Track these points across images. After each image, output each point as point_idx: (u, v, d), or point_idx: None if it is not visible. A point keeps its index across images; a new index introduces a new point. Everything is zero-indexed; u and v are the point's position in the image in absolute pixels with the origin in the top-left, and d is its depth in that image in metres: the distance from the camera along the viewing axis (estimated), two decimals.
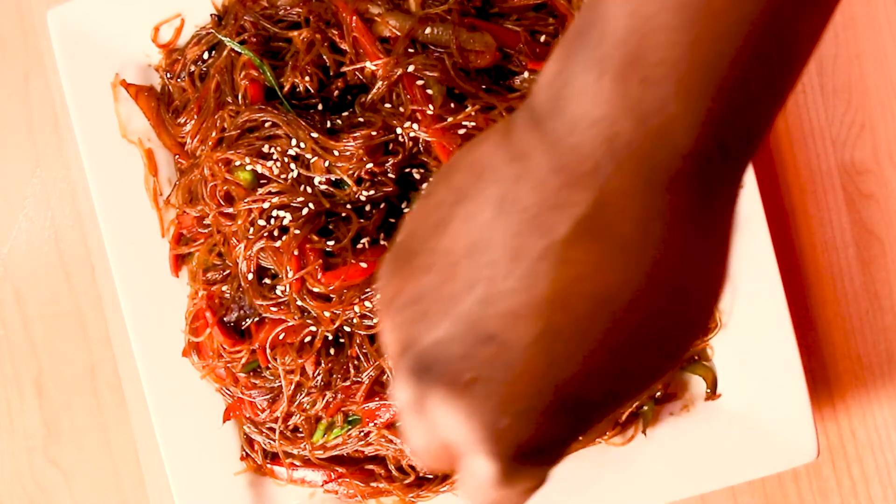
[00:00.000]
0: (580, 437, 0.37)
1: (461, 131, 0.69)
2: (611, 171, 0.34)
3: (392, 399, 0.36)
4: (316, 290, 0.69)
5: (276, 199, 0.69)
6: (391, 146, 0.70)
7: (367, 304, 0.69)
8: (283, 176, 0.70)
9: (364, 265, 0.68)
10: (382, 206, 0.70)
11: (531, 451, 0.36)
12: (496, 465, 0.36)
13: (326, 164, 0.69)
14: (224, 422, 0.76)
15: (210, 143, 0.73)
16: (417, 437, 0.38)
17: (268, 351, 0.71)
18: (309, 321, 0.70)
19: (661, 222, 0.34)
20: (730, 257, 0.38)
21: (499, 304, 0.35)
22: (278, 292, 0.70)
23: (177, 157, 0.77)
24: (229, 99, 0.73)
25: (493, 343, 0.35)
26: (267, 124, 0.71)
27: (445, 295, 0.36)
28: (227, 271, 0.74)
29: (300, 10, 0.73)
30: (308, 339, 0.71)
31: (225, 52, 0.74)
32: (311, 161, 0.70)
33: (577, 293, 0.34)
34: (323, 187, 0.70)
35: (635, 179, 0.34)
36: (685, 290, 0.36)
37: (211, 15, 0.76)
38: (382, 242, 0.69)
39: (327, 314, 0.69)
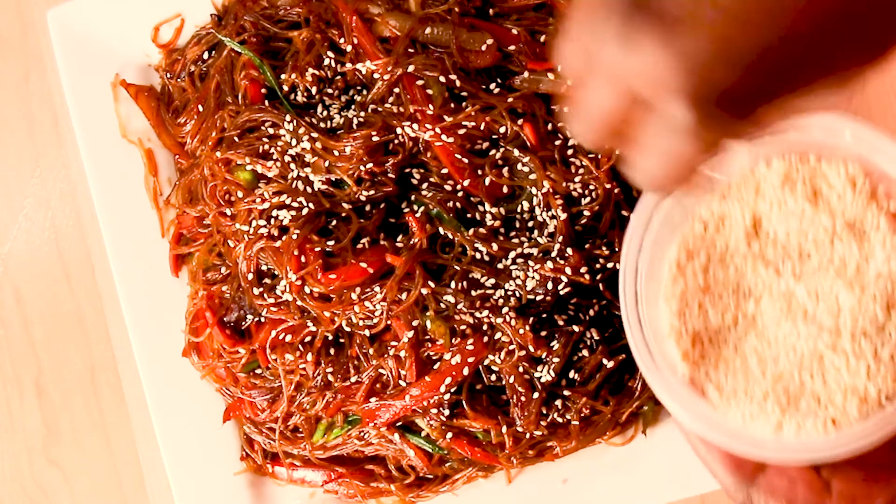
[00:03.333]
0: (776, 99, 0.38)
1: (461, 131, 0.69)
2: None
3: (585, 38, 0.38)
4: (316, 290, 0.69)
5: (276, 199, 0.69)
6: (391, 146, 0.70)
7: (367, 304, 0.69)
8: (283, 176, 0.70)
9: (364, 265, 0.68)
10: (382, 206, 0.70)
11: (730, 98, 0.36)
12: (693, 109, 0.36)
13: (326, 164, 0.69)
14: (224, 422, 0.76)
15: (210, 143, 0.73)
16: (603, 89, 0.38)
17: (268, 351, 0.71)
18: (309, 321, 0.70)
19: None
20: None
21: None
22: (278, 292, 0.70)
23: (177, 157, 0.77)
24: (229, 99, 0.73)
25: None
26: (267, 124, 0.71)
27: None
28: (227, 271, 0.74)
29: (300, 10, 0.73)
30: (308, 339, 0.71)
31: (225, 52, 0.74)
32: (311, 161, 0.70)
33: None
34: (323, 187, 0.70)
35: None
36: None
37: (211, 15, 0.76)
38: (382, 242, 0.69)
39: (327, 314, 0.69)
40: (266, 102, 0.72)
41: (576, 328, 0.70)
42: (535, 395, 0.70)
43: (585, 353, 0.71)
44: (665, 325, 0.55)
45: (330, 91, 0.72)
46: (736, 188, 0.56)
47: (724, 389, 0.53)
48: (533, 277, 0.68)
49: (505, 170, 0.70)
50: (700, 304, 0.55)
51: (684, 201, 0.55)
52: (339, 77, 0.72)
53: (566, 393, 0.71)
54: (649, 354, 0.54)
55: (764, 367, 0.53)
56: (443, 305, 0.69)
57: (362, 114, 0.70)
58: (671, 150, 0.38)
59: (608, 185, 0.69)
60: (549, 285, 0.68)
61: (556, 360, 0.70)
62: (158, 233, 0.76)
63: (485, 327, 0.69)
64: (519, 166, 0.69)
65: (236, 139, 0.72)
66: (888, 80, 0.76)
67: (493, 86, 0.70)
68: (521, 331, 0.68)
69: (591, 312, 0.71)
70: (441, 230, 0.69)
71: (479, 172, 0.69)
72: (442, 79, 0.69)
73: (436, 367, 0.69)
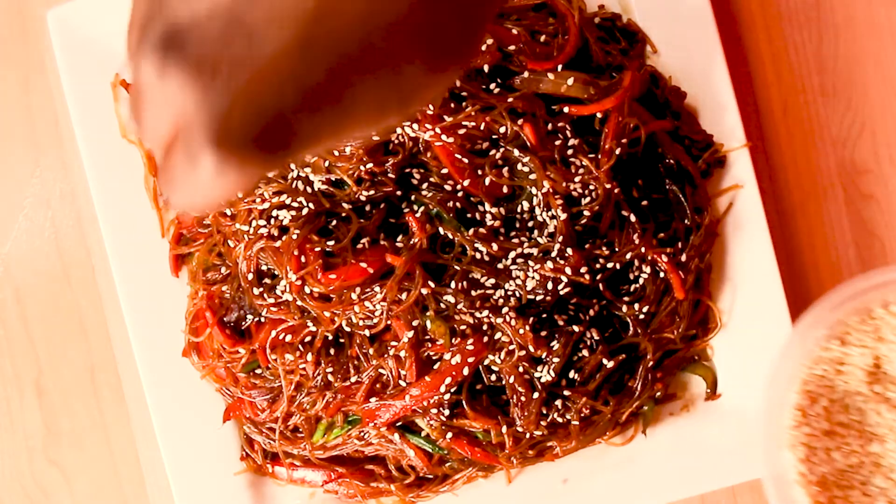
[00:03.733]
0: (299, 149, 0.39)
1: (461, 131, 0.69)
2: None
3: (129, 67, 0.39)
4: (316, 290, 0.69)
5: (276, 199, 0.69)
6: (391, 146, 0.70)
7: (367, 304, 0.69)
8: (282, 176, 0.70)
9: (364, 265, 0.68)
10: (382, 206, 0.70)
11: (253, 145, 0.38)
12: (218, 151, 0.37)
13: (326, 163, 0.69)
14: (224, 422, 0.76)
15: None
16: (150, 110, 0.39)
17: (268, 351, 0.71)
18: (309, 321, 0.70)
19: None
20: None
21: (264, 5, 0.36)
22: (278, 292, 0.70)
23: None
24: None
25: (249, 37, 0.36)
26: None
27: None
28: (227, 271, 0.74)
29: None
30: (308, 339, 0.71)
31: None
32: (311, 161, 0.70)
33: (339, 11, 0.36)
34: (323, 187, 0.70)
35: None
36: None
37: None
38: (382, 242, 0.69)
39: (327, 314, 0.69)
40: None
41: (576, 328, 0.70)
42: (535, 395, 0.70)
43: (585, 353, 0.71)
44: (791, 471, 0.54)
45: None
46: (855, 332, 0.55)
47: None
48: (533, 277, 0.68)
49: (505, 170, 0.70)
50: (826, 449, 0.54)
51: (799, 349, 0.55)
52: None
53: (566, 393, 0.71)
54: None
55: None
56: (443, 305, 0.69)
57: None
58: (199, 187, 0.39)
59: (608, 185, 0.69)
60: (549, 285, 0.68)
61: (556, 360, 0.70)
62: (158, 233, 0.76)
63: (485, 327, 0.69)
64: (519, 166, 0.69)
65: None
66: (888, 81, 0.76)
67: (493, 86, 0.70)
68: (521, 331, 0.68)
69: (591, 312, 0.71)
70: (441, 230, 0.69)
71: (479, 172, 0.69)
72: None
73: (436, 367, 0.69)
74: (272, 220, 0.70)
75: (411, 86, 0.39)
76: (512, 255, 0.69)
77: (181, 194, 0.40)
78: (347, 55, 0.37)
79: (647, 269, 0.71)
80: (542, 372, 0.70)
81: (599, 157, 0.69)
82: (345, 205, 0.70)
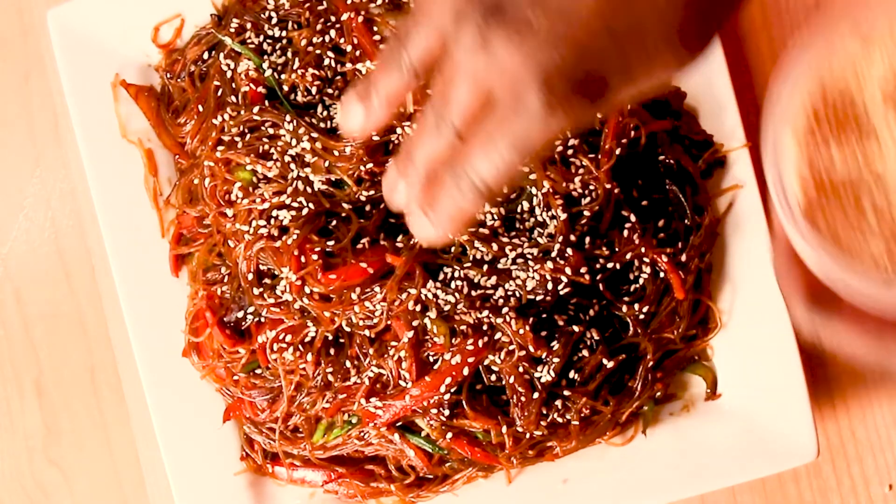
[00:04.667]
0: (622, 85, 0.45)
1: None
2: None
3: (455, 39, 0.46)
4: (316, 290, 0.69)
5: (276, 200, 0.69)
6: (391, 146, 0.70)
7: (367, 304, 0.69)
8: (283, 176, 0.70)
9: (364, 265, 0.68)
10: (382, 206, 0.70)
11: (577, 85, 0.44)
12: (544, 96, 0.44)
13: (326, 164, 0.69)
14: (224, 422, 0.76)
15: (210, 143, 0.73)
16: (469, 76, 0.45)
17: (268, 351, 0.71)
18: (309, 321, 0.70)
19: None
20: None
21: None
22: (278, 292, 0.70)
23: (177, 157, 0.77)
24: (230, 99, 0.73)
25: None
26: (267, 124, 0.71)
27: None
28: (228, 271, 0.74)
29: (300, 10, 0.73)
30: (308, 339, 0.71)
31: (225, 52, 0.74)
32: (311, 161, 0.70)
33: None
34: (323, 187, 0.70)
35: None
36: None
37: (211, 15, 0.76)
38: (382, 242, 0.69)
39: (327, 314, 0.69)
40: (266, 102, 0.72)
41: (576, 328, 0.70)
42: (535, 395, 0.70)
43: (585, 353, 0.71)
44: (789, 161, 0.54)
45: (330, 91, 0.72)
46: (880, 35, 0.54)
47: (840, 241, 0.53)
48: (533, 277, 0.68)
49: None
50: (829, 154, 0.53)
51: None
52: (339, 77, 0.72)
53: (566, 393, 0.71)
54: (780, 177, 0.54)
55: (883, 223, 0.52)
56: (443, 305, 0.69)
57: None
58: (525, 132, 0.45)
59: (608, 185, 0.69)
60: (549, 285, 0.68)
61: (556, 360, 0.70)
62: (158, 233, 0.76)
63: (485, 327, 0.69)
64: None
65: (236, 139, 0.72)
66: None
67: None
68: (521, 331, 0.68)
69: (591, 312, 0.71)
70: None
71: None
72: None
73: (436, 367, 0.69)
74: (272, 220, 0.70)
75: (662, 65, 0.46)
76: (512, 255, 0.69)
77: (506, 149, 0.45)
78: (639, 23, 0.44)
79: (647, 270, 0.71)
80: (542, 372, 0.70)
81: (599, 157, 0.69)
82: (345, 205, 0.70)
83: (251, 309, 0.72)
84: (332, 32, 0.72)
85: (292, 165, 0.70)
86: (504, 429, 0.70)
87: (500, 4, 0.44)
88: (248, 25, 0.74)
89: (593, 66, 0.44)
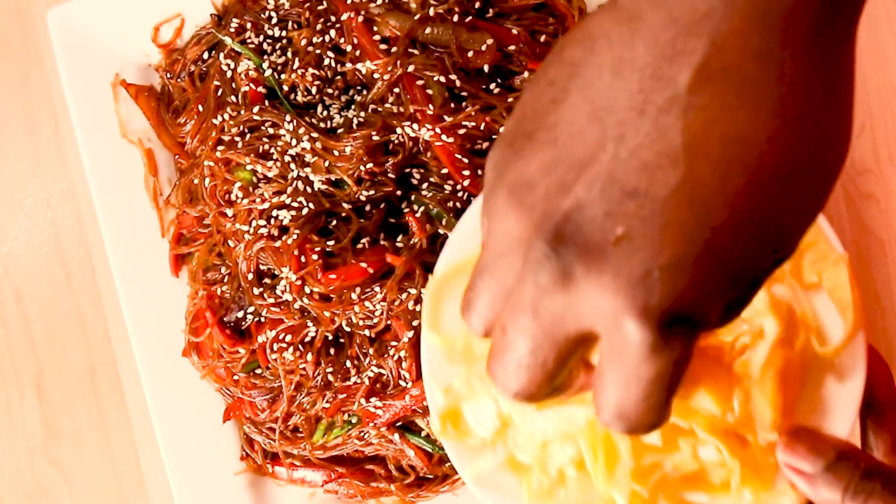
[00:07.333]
0: (734, 307, 0.35)
1: (461, 131, 0.69)
2: (722, 14, 0.34)
3: (524, 287, 0.35)
4: (316, 290, 0.69)
5: (276, 199, 0.69)
6: (391, 146, 0.70)
7: (367, 304, 0.69)
8: (283, 176, 0.70)
9: (364, 265, 0.68)
10: (382, 206, 0.70)
11: (682, 310, 0.34)
12: (647, 329, 0.34)
13: (326, 164, 0.69)
14: (224, 422, 0.76)
15: (210, 143, 0.73)
16: (545, 329, 0.36)
17: (268, 351, 0.71)
18: (309, 321, 0.70)
19: (780, 57, 0.34)
20: (853, 95, 0.37)
21: (633, 159, 0.34)
22: (278, 292, 0.70)
23: (177, 157, 0.77)
24: (230, 99, 0.73)
25: (634, 197, 0.34)
26: (267, 124, 0.71)
27: (576, 161, 0.35)
28: (228, 271, 0.74)
29: (300, 10, 0.73)
30: (308, 339, 0.71)
31: (225, 52, 0.74)
32: (311, 161, 0.70)
33: (710, 137, 0.34)
34: (323, 187, 0.70)
35: (749, 19, 0.34)
36: (816, 126, 0.35)
37: (211, 15, 0.76)
38: (382, 242, 0.69)
39: (327, 314, 0.69)
40: (266, 102, 0.72)
41: None
42: None
43: None
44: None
45: (330, 91, 0.72)
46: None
47: None
48: None
49: None
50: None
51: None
52: (339, 77, 0.72)
53: None
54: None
55: None
56: None
57: (362, 114, 0.70)
58: (639, 373, 0.35)
59: None
60: None
61: None
62: (158, 233, 0.76)
63: None
64: None
65: (236, 139, 0.72)
66: (888, 80, 0.76)
67: (493, 86, 0.70)
68: None
69: None
70: (441, 230, 0.69)
71: (480, 172, 0.69)
72: (442, 79, 0.69)
73: None
74: (272, 220, 0.70)
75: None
76: None
77: (625, 392, 0.36)
78: (743, 181, 0.34)
79: None
80: None
81: None
82: (345, 205, 0.70)
83: (251, 309, 0.72)
84: (332, 32, 0.72)
85: (292, 165, 0.70)
86: None
87: (570, 231, 0.34)
88: (248, 25, 0.74)
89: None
